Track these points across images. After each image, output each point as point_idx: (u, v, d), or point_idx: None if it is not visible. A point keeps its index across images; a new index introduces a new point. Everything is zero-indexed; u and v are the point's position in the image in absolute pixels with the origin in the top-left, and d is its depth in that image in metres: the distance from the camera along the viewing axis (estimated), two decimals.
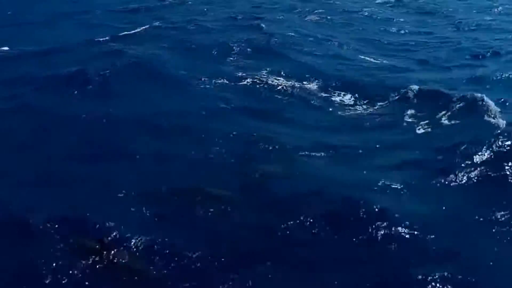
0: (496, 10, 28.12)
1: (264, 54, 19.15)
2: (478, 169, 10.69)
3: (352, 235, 8.84)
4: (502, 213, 9.38)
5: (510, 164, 10.69)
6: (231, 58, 18.62)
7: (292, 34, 22.04)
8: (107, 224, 9.01)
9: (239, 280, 7.96)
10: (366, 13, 27.17)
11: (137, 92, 15.35)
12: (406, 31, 23.90)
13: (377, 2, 30.19)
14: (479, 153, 11.16)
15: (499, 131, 12.28)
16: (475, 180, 10.46)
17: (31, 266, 8.23)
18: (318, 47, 20.56)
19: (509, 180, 10.43)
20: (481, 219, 9.33)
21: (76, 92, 15.03)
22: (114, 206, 9.62)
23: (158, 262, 8.31)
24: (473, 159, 11.04)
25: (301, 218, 9.15)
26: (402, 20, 26.21)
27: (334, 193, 9.95)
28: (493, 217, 9.33)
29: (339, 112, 14.55)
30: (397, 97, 15.20)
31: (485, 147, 11.37)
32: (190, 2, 28.72)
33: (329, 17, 25.81)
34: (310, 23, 24.80)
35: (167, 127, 12.94)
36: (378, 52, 20.38)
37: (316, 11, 27.14)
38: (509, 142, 11.44)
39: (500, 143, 11.52)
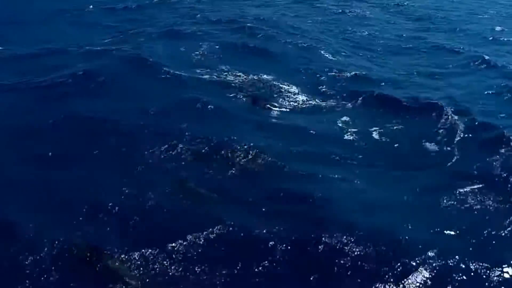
0: (481, 16, 28.41)
1: (249, 54, 19.81)
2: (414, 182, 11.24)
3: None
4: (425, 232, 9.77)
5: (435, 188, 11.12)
6: (216, 57, 19.24)
7: (276, 34, 22.55)
8: (85, 226, 9.47)
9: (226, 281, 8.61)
10: (351, 15, 27.77)
11: (123, 91, 15.68)
12: (386, 35, 24.09)
13: (364, 5, 30.56)
14: (412, 166, 11.67)
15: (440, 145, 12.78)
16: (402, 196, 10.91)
17: (14, 268, 8.62)
18: (302, 49, 20.97)
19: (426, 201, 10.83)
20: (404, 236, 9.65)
21: (65, 91, 15.24)
22: (98, 208, 9.96)
23: (141, 264, 8.73)
24: (411, 173, 11.45)
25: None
26: (385, 23, 26.60)
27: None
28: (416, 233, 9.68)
29: (284, 108, 15.08)
30: (351, 100, 15.48)
31: (421, 162, 11.85)
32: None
33: (313, 19, 26.38)
34: (296, 24, 25.17)
35: (153, 127, 13.24)
36: (349, 53, 20.68)
37: (303, 12, 27.84)
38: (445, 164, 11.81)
39: (435, 159, 11.99)
